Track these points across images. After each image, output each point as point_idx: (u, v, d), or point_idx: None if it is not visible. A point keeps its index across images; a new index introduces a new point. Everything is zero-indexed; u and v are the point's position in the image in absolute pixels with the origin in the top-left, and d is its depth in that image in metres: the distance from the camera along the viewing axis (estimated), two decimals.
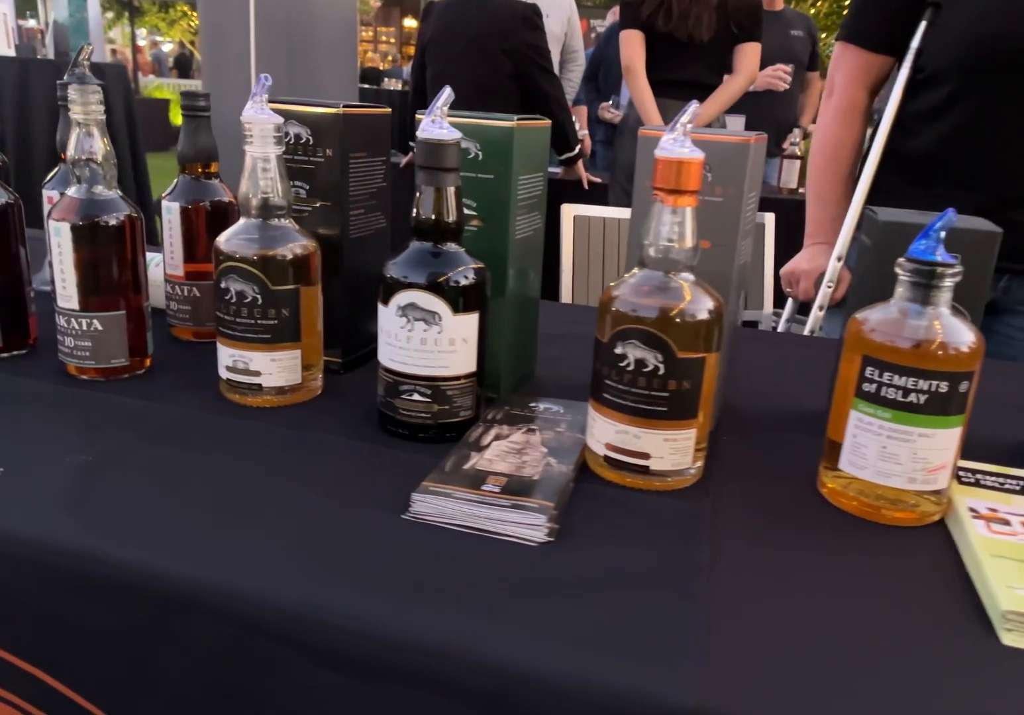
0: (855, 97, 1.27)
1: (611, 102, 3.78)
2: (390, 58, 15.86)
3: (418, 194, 0.69)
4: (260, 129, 0.72)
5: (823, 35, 4.90)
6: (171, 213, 0.89)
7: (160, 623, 0.51)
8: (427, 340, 0.68)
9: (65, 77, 0.75)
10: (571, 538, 0.57)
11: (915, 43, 1.19)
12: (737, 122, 2.98)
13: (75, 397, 0.77)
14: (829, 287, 1.27)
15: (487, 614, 0.49)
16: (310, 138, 0.81)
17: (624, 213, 2.00)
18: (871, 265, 0.76)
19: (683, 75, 2.51)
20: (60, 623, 0.54)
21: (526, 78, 2.68)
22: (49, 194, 0.94)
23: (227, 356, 0.76)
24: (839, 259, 1.26)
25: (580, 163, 2.96)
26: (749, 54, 2.52)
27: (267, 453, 0.68)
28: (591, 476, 0.67)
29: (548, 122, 0.84)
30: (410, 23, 16.12)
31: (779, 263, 1.68)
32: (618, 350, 0.63)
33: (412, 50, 4.16)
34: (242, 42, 2.67)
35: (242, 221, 0.76)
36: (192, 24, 12.33)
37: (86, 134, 0.76)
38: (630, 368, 0.63)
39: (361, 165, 0.83)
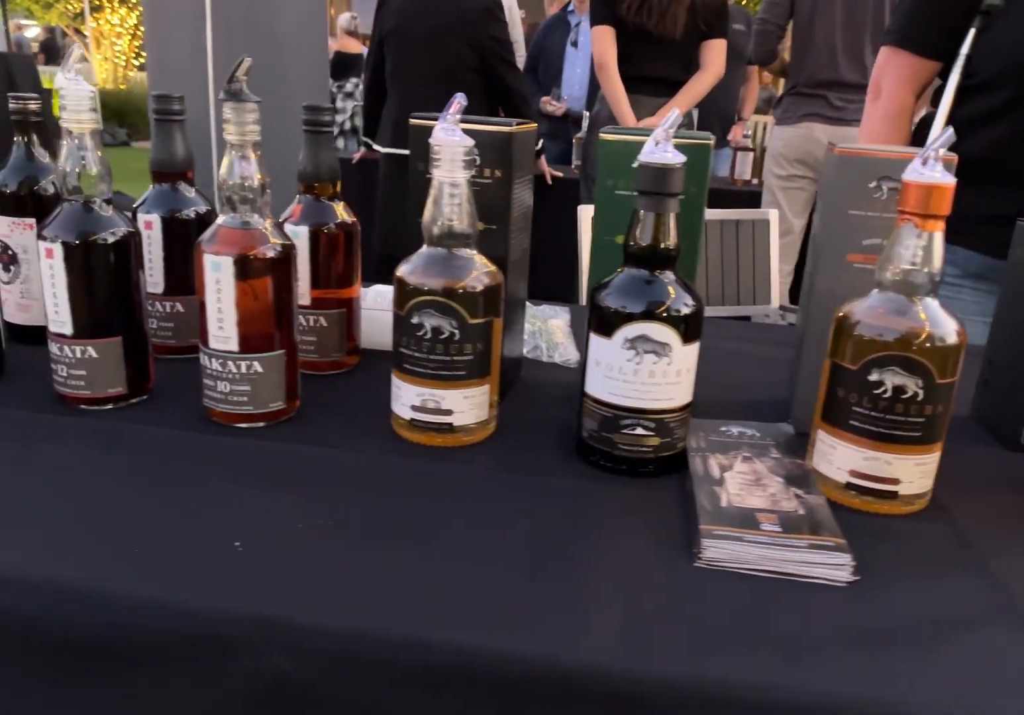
0: (905, 101, 1.29)
1: (552, 95, 3.77)
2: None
3: (635, 219, 0.66)
4: (450, 152, 0.67)
5: None
6: (300, 238, 0.82)
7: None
8: (655, 372, 0.66)
9: (222, 94, 0.68)
10: (868, 574, 0.56)
11: (965, 49, 1.22)
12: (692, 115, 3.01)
13: (238, 447, 0.70)
14: None
15: (880, 666, 0.47)
16: (476, 158, 0.76)
17: None
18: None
19: (653, 71, 2.53)
20: None
21: (490, 71, 2.63)
22: (146, 219, 0.85)
23: (414, 395, 0.71)
24: None
25: (543, 158, 2.95)
26: (716, 50, 2.55)
27: (494, 502, 0.64)
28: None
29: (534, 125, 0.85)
30: None
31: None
32: (873, 377, 0.62)
33: None
34: (194, 32, 2.49)
35: (424, 250, 0.71)
36: (70, 7, 11.52)
37: (241, 157, 0.69)
38: (886, 395, 0.62)
39: (520, 185, 0.79)
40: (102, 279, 0.73)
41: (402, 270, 0.71)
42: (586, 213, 1.72)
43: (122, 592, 0.51)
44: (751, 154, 3.10)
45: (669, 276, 0.67)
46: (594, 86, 3.59)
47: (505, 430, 0.76)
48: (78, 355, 0.73)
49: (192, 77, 2.61)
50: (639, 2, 2.42)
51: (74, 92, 0.70)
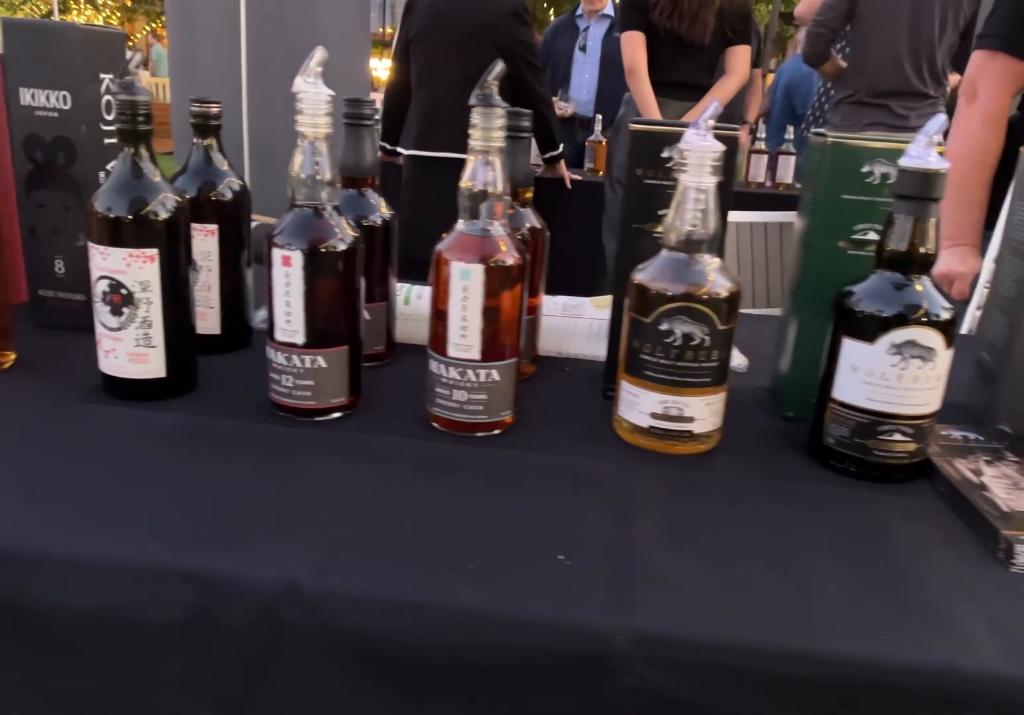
0: (1002, 103, 1.32)
1: (558, 96, 3.77)
2: None
3: (892, 223, 0.66)
4: (699, 157, 0.67)
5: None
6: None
7: None
8: (919, 377, 0.66)
9: (473, 98, 0.66)
10: None
11: None
12: None
13: (484, 456, 0.69)
14: (986, 288, 1.32)
15: None
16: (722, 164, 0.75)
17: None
18: None
19: (681, 76, 2.55)
20: None
21: (515, 74, 2.63)
22: None
23: (655, 402, 0.70)
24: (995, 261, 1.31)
25: (563, 162, 2.95)
26: (741, 56, 2.59)
27: (770, 510, 0.64)
28: None
29: None
30: None
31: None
32: None
33: None
34: (225, 32, 2.42)
35: (664, 255, 0.70)
36: (37, 7, 11.16)
37: (484, 163, 0.68)
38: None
39: None
40: (334, 287, 0.71)
41: (641, 276, 0.71)
42: None
43: (471, 610, 0.50)
44: (764, 156, 3.14)
45: (925, 280, 0.67)
46: (602, 90, 3.61)
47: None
48: (307, 365, 0.71)
49: (224, 78, 2.55)
50: (671, 8, 2.44)
51: (312, 96, 0.68)
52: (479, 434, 0.72)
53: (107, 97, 0.88)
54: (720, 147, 0.67)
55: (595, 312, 0.93)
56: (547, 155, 2.87)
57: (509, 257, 0.69)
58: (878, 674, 0.48)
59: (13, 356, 0.82)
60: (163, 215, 0.71)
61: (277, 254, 0.69)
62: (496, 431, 0.73)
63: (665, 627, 0.49)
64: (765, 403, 0.85)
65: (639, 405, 0.72)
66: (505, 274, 0.69)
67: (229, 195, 0.85)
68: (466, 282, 0.68)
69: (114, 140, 0.90)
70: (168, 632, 0.50)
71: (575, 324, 0.92)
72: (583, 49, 3.63)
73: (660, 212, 0.77)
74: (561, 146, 2.88)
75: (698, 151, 0.67)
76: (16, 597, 0.51)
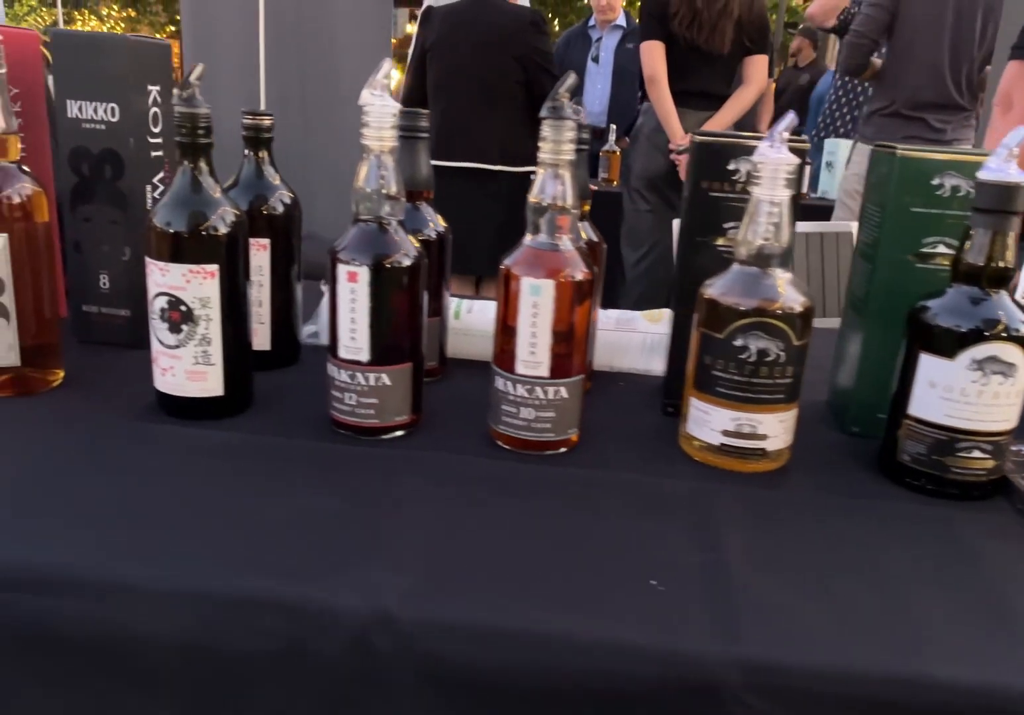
0: None
1: None
2: None
3: (969, 237, 0.65)
4: (774, 170, 0.66)
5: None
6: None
7: None
8: (1000, 394, 0.65)
9: (544, 110, 0.65)
10: None
11: None
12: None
13: (553, 475, 0.67)
14: None
15: None
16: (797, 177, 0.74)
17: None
18: None
19: (699, 86, 2.54)
20: None
21: (535, 83, 2.63)
22: None
23: (727, 419, 0.69)
24: None
25: None
26: (759, 65, 2.58)
27: (853, 529, 0.62)
28: None
29: None
30: None
31: None
32: None
33: None
34: (243, 35, 2.40)
35: (735, 268, 0.69)
36: (41, 20, 11.11)
37: (553, 177, 0.67)
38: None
39: None
40: (399, 303, 0.69)
41: (711, 291, 0.69)
42: None
43: (569, 636, 0.48)
44: (807, 168, 3.11)
45: (1003, 295, 0.66)
46: (614, 101, 3.61)
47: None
48: (371, 382, 0.69)
49: (240, 85, 2.53)
50: (690, 18, 2.44)
51: (379, 109, 0.67)
52: (548, 452, 0.71)
53: (154, 109, 0.87)
54: (795, 159, 0.66)
55: (649, 326, 0.92)
56: None
57: (579, 272, 0.68)
58: (989, 700, 0.46)
59: (62, 374, 0.80)
60: (223, 230, 0.70)
61: (343, 270, 0.67)
62: (562, 449, 0.71)
63: (773, 655, 0.47)
64: (825, 417, 0.84)
65: (710, 422, 0.70)
66: (575, 289, 0.67)
67: (281, 209, 0.84)
68: (536, 298, 0.67)
69: (160, 153, 0.89)
70: (255, 662, 0.49)
71: (629, 338, 0.91)
72: (595, 60, 3.63)
73: (725, 225, 0.76)
74: None
75: (772, 163, 0.66)
76: (95, 627, 0.50)
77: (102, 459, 0.65)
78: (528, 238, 0.69)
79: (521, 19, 2.58)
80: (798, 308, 0.67)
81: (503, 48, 2.54)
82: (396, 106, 0.67)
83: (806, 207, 2.89)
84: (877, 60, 2.66)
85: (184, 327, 0.70)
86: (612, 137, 3.34)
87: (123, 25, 11.46)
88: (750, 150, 0.74)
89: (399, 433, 0.72)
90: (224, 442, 0.69)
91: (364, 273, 0.67)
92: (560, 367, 0.69)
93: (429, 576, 0.51)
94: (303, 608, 0.49)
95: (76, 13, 11.02)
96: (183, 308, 0.69)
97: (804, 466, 0.72)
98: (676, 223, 1.77)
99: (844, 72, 2.79)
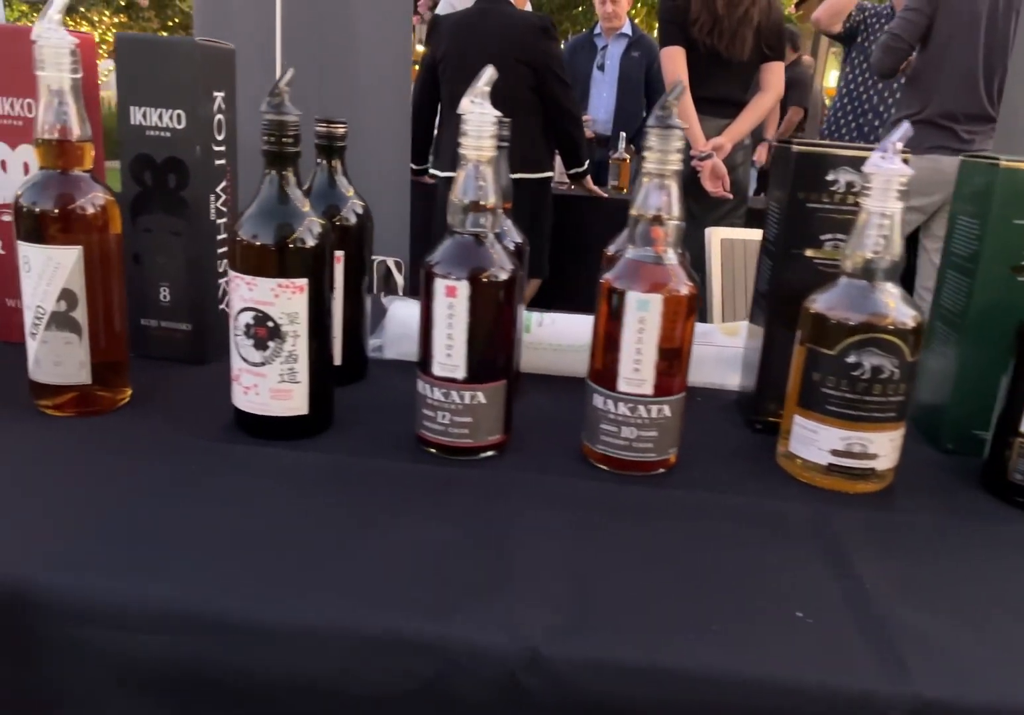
0: None
1: None
2: None
3: None
4: (885, 181, 0.64)
5: None
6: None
7: None
8: None
9: (651, 119, 0.63)
10: None
11: None
12: None
13: (660, 497, 0.65)
14: None
15: None
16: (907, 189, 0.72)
17: None
18: None
19: (717, 92, 2.52)
20: None
21: (545, 90, 2.61)
22: None
23: (836, 438, 0.67)
24: None
25: (589, 177, 2.93)
26: (776, 72, 2.57)
27: (964, 554, 0.60)
28: None
29: None
30: None
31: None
32: None
33: None
34: (259, 33, 2.35)
35: (843, 282, 0.67)
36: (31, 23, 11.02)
37: (659, 187, 0.65)
38: None
39: None
40: (496, 318, 0.67)
41: (818, 306, 0.67)
42: (715, 234, 1.71)
43: (727, 674, 0.45)
44: None
45: None
46: (620, 109, 3.60)
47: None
48: (466, 401, 0.67)
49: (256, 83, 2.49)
50: (711, 24, 2.42)
51: (478, 118, 0.64)
52: (652, 472, 0.68)
53: (219, 116, 0.84)
54: (908, 171, 0.64)
55: (725, 340, 0.90)
56: (572, 171, 2.86)
57: (683, 286, 0.65)
58: None
59: (129, 391, 0.77)
60: (310, 242, 0.67)
61: (440, 284, 0.65)
62: (660, 469, 0.69)
63: (945, 694, 0.45)
64: (911, 432, 0.82)
65: (817, 441, 0.68)
66: (682, 304, 0.65)
67: (354, 219, 0.81)
68: (643, 313, 0.64)
69: (223, 161, 0.86)
70: (395, 703, 0.46)
71: (704, 352, 0.89)
72: (601, 68, 3.62)
73: (821, 237, 0.74)
74: (587, 163, 2.86)
75: (884, 175, 0.64)
76: (218, 666, 0.47)
77: (195, 485, 0.62)
78: (630, 251, 0.66)
79: (531, 25, 2.57)
80: (911, 323, 0.65)
81: (515, 55, 2.53)
82: (496, 114, 0.65)
83: None
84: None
85: (271, 344, 0.67)
86: (621, 145, 3.33)
87: (114, 31, 11.40)
88: (851, 160, 0.72)
89: (490, 453, 0.69)
90: (315, 464, 0.66)
91: (463, 288, 0.64)
92: (664, 385, 0.66)
93: (571, 610, 0.49)
94: (443, 646, 0.46)
95: (67, 19, 10.95)
96: (270, 324, 0.66)
97: (908, 486, 0.70)
98: (709, 232, 1.76)
99: (876, 74, 2.76)
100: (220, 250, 0.88)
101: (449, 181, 2.66)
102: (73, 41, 0.67)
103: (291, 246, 0.66)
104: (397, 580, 0.51)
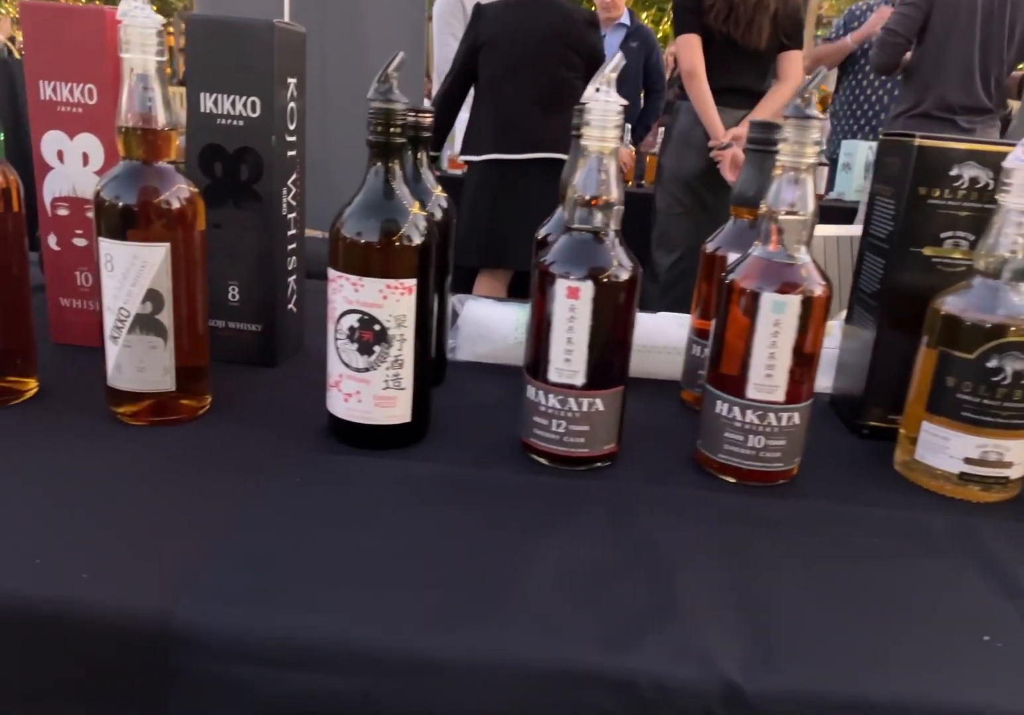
0: None
1: None
2: None
3: None
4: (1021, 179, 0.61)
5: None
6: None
7: None
8: None
9: (789, 109, 0.59)
10: None
11: None
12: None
13: (791, 509, 0.61)
14: None
15: None
16: (990, 182, 0.69)
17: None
18: None
19: (735, 82, 2.49)
20: None
21: (589, 80, 2.57)
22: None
23: (972, 446, 0.64)
24: None
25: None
26: (794, 62, 2.54)
27: None
28: None
29: None
30: None
31: None
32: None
33: None
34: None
35: (976, 283, 0.64)
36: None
37: (792, 182, 0.61)
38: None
39: None
40: (616, 321, 0.63)
41: (950, 307, 0.64)
42: None
43: (941, 706, 0.42)
44: (824, 169, 3.09)
45: None
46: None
47: None
48: (584, 408, 0.63)
49: None
50: (726, 12, 2.39)
51: (603, 108, 0.60)
52: (775, 483, 0.65)
53: (292, 104, 0.80)
54: None
55: None
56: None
57: (817, 287, 0.62)
58: None
59: (210, 398, 0.72)
60: (417, 240, 0.63)
61: (561, 285, 0.61)
62: (781, 480, 0.66)
63: None
64: None
65: (948, 449, 0.65)
66: (816, 306, 0.62)
67: (439, 214, 0.77)
68: (779, 316, 0.61)
69: (295, 152, 0.82)
70: None
71: None
72: None
73: (941, 234, 0.71)
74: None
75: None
76: (379, 704, 0.43)
77: (308, 502, 0.58)
78: (757, 249, 0.63)
79: (577, 17, 2.54)
80: None
81: (560, 45, 2.49)
82: (622, 102, 0.61)
83: (828, 209, 2.89)
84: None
85: (376, 348, 0.63)
86: (627, 136, 3.29)
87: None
88: (977, 155, 0.69)
89: (603, 463, 0.66)
90: (427, 476, 0.62)
91: (587, 289, 0.60)
92: (794, 391, 0.63)
93: (757, 639, 0.45)
94: (630, 681, 0.42)
95: None
96: (377, 327, 0.62)
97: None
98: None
99: (877, 70, 2.76)
100: (290, 246, 0.83)
101: (485, 164, 2.65)
102: (160, 20, 0.62)
103: (398, 244, 0.62)
104: (560, 607, 0.47)
